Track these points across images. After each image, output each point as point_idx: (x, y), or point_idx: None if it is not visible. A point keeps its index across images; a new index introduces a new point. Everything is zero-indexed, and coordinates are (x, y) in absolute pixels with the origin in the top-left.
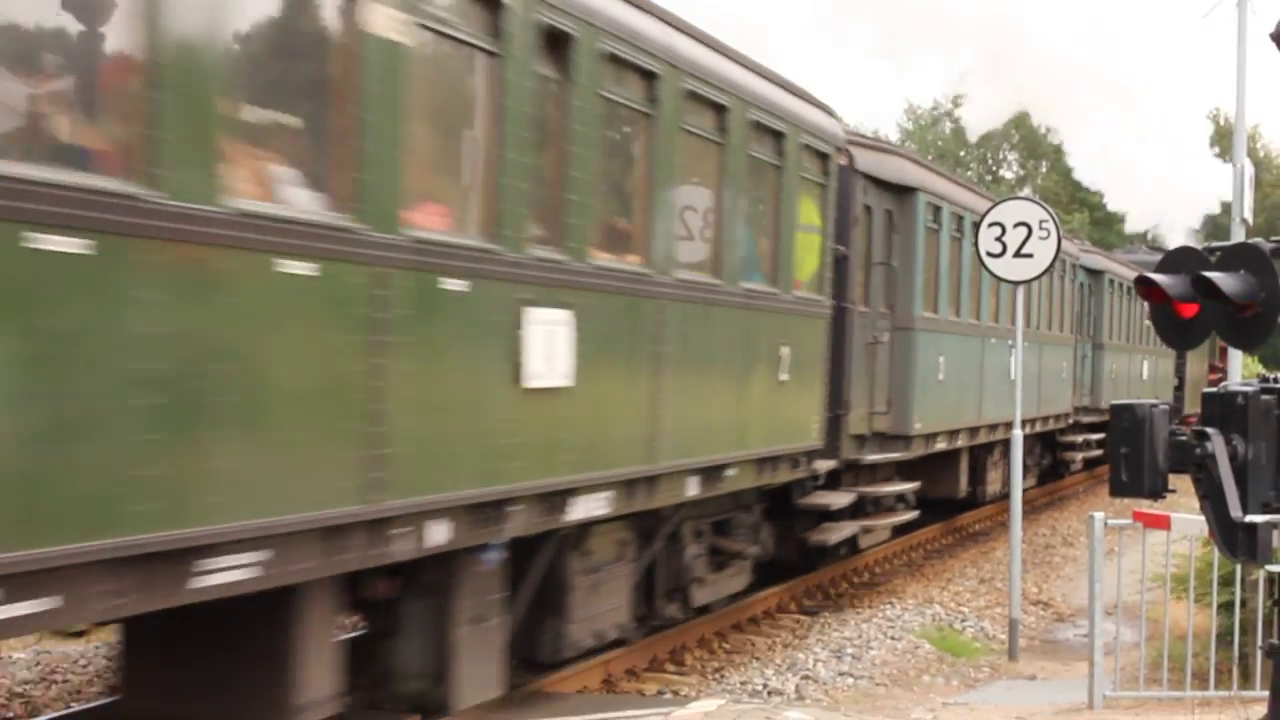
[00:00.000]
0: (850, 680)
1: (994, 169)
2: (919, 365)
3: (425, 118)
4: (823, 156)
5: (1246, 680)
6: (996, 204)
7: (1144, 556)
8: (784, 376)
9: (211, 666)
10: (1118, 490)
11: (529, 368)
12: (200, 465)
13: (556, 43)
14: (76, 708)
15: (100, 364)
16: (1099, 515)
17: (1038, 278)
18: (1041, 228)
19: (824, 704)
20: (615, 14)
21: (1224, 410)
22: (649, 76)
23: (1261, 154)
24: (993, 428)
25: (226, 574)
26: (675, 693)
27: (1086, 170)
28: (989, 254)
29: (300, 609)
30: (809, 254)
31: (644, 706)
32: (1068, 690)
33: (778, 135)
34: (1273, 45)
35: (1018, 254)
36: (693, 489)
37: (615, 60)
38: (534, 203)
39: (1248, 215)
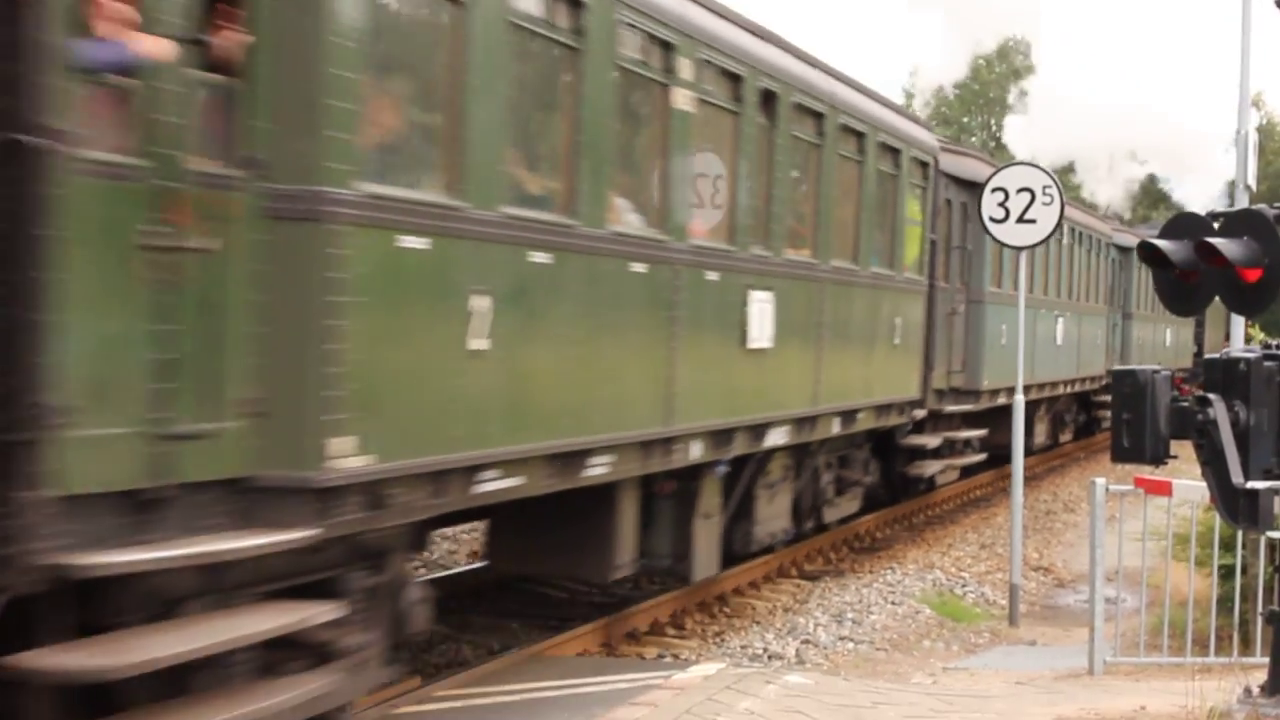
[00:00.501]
0: (850, 645)
1: (997, 135)
2: (987, 332)
3: (702, 163)
4: (924, 165)
5: (1247, 646)
6: (999, 169)
7: (1145, 522)
8: (897, 340)
9: (555, 537)
10: (1119, 456)
11: (750, 334)
12: (589, 398)
13: (768, 100)
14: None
15: (569, 332)
16: (1100, 481)
17: (1040, 243)
18: (1045, 193)
19: (824, 668)
20: (800, 73)
21: (1226, 377)
22: (818, 117)
23: (1264, 121)
24: (1040, 386)
25: (598, 469)
26: (675, 656)
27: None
28: (992, 219)
29: (618, 497)
30: (913, 243)
31: (644, 670)
32: (1068, 656)
33: (895, 151)
34: (1277, 12)
35: (1021, 219)
36: (836, 428)
37: (800, 108)
38: (754, 215)
39: (1251, 182)
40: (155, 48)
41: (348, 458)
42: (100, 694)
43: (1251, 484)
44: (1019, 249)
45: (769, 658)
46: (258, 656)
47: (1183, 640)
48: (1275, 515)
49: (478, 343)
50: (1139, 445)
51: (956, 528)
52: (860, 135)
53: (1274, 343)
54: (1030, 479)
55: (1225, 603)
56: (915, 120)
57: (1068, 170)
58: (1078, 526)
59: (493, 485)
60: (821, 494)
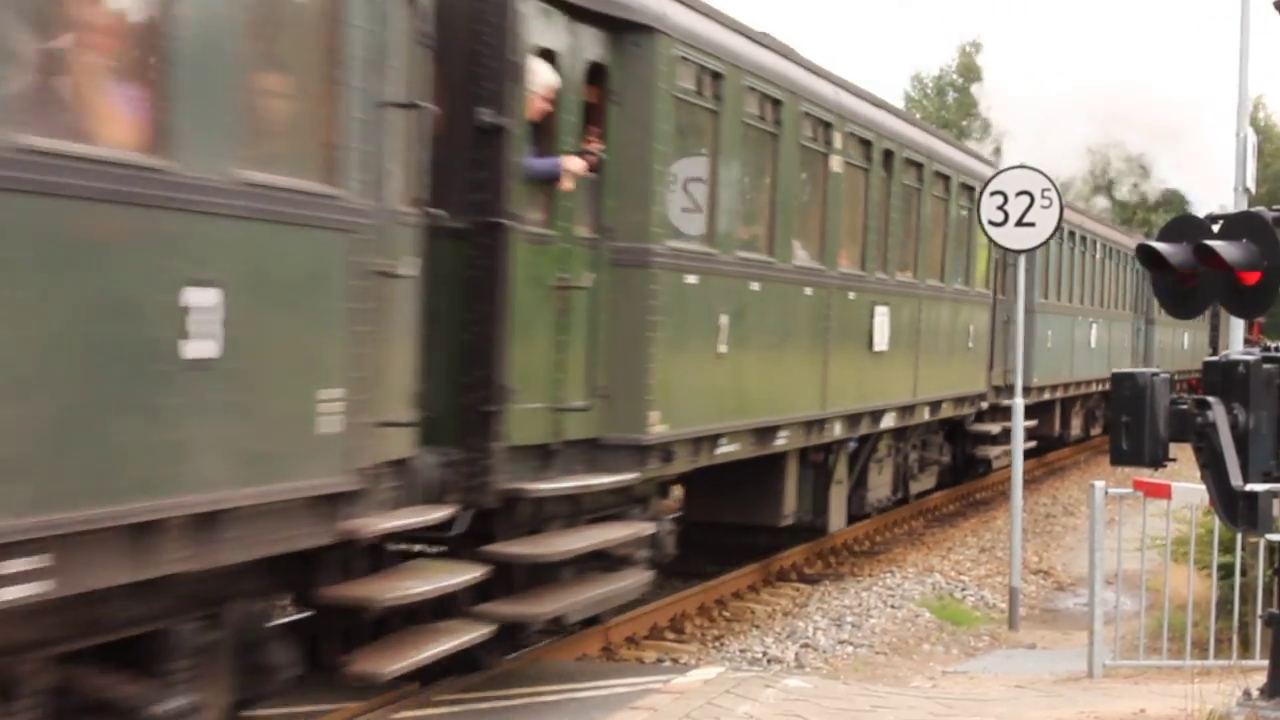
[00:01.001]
0: (850, 648)
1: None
2: (1036, 337)
3: (845, 209)
4: (970, 189)
5: (1246, 649)
6: (999, 173)
7: (1144, 526)
8: (970, 345)
9: (737, 494)
10: (1119, 459)
11: (874, 340)
12: (777, 388)
13: (887, 158)
14: None
15: (768, 339)
16: (1100, 484)
17: (1039, 246)
18: (1044, 196)
19: (824, 672)
20: (907, 132)
21: (1225, 379)
22: (918, 166)
23: (1263, 123)
24: (1078, 384)
25: (781, 441)
26: (675, 660)
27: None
28: (991, 222)
29: (787, 463)
30: (981, 262)
31: (643, 674)
32: (1067, 659)
33: (970, 188)
34: (1276, 14)
35: (1020, 223)
36: (926, 414)
37: (907, 161)
38: (877, 245)
39: (1250, 184)
40: (575, 165)
41: (655, 426)
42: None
43: (1251, 486)
44: (1018, 252)
45: (768, 661)
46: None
47: (1182, 643)
48: (1275, 518)
49: (722, 348)
50: (1138, 448)
51: (956, 531)
52: (946, 178)
53: (1273, 345)
54: (1029, 482)
55: (1225, 605)
56: (977, 156)
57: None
58: (1077, 530)
59: (723, 449)
60: (910, 470)
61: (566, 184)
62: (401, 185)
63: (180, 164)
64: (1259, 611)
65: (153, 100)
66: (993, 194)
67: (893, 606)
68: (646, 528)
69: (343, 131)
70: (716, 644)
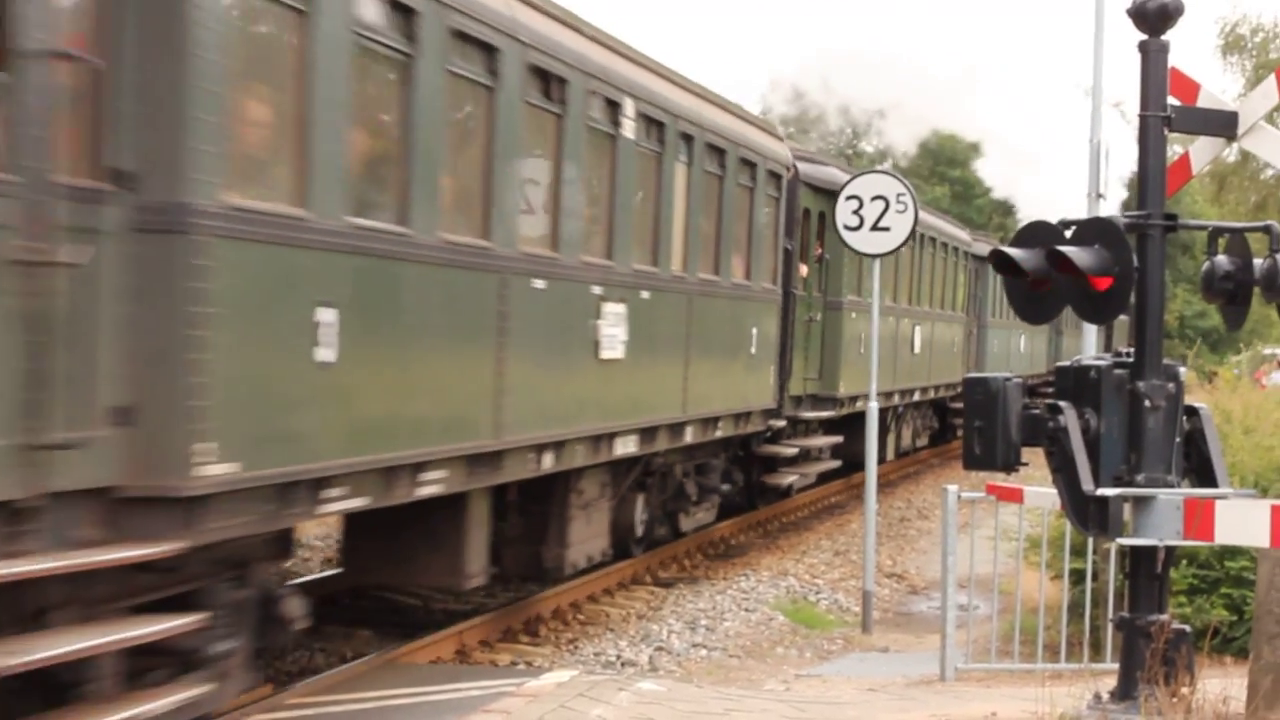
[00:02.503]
0: (704, 652)
1: (855, 142)
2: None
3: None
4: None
5: (1098, 653)
6: (854, 177)
7: (997, 529)
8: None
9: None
10: (971, 463)
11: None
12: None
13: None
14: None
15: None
16: (953, 488)
17: (895, 250)
18: (899, 201)
19: (678, 675)
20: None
21: (1077, 384)
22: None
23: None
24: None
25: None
26: (529, 663)
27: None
28: (846, 227)
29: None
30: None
31: (497, 677)
32: (920, 662)
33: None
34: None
35: (875, 227)
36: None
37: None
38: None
39: (1103, 190)
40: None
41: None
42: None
43: (1101, 491)
44: (873, 256)
45: (622, 665)
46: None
47: (1034, 646)
48: (1124, 522)
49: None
50: (990, 452)
51: (811, 534)
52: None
53: (1124, 350)
54: (884, 486)
55: (1076, 609)
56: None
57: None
58: (931, 534)
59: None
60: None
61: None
62: None
63: None
64: (1110, 615)
65: None
66: (848, 198)
67: (747, 610)
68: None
69: None
70: (571, 647)
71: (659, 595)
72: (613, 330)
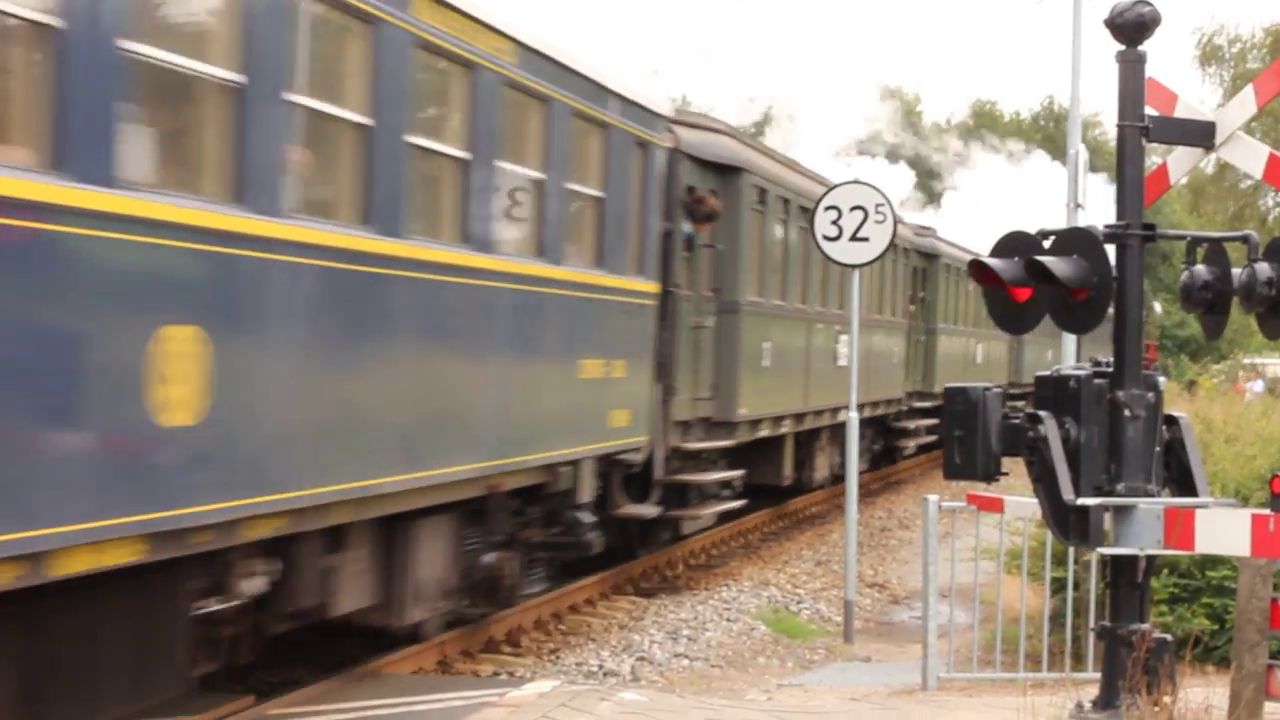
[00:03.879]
0: (686, 662)
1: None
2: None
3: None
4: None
5: (1079, 662)
6: (833, 188)
7: (978, 539)
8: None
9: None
10: (952, 473)
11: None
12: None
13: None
14: None
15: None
16: (933, 498)
17: (874, 261)
18: (878, 211)
19: (659, 685)
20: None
21: (1057, 394)
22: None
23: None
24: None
25: None
26: (510, 674)
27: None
28: (825, 237)
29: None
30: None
31: (479, 687)
32: (902, 672)
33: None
34: (1108, 31)
35: (854, 238)
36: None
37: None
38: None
39: (1081, 200)
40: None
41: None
42: None
43: (1082, 501)
44: (853, 267)
45: (604, 675)
46: None
47: (1016, 656)
48: (1105, 532)
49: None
50: (971, 462)
51: (792, 544)
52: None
53: (1104, 360)
54: (865, 496)
55: (1058, 618)
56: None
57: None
58: (912, 543)
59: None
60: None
61: None
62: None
63: None
64: (1091, 624)
65: None
66: (827, 209)
67: (729, 620)
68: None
69: None
70: (552, 657)
71: (640, 605)
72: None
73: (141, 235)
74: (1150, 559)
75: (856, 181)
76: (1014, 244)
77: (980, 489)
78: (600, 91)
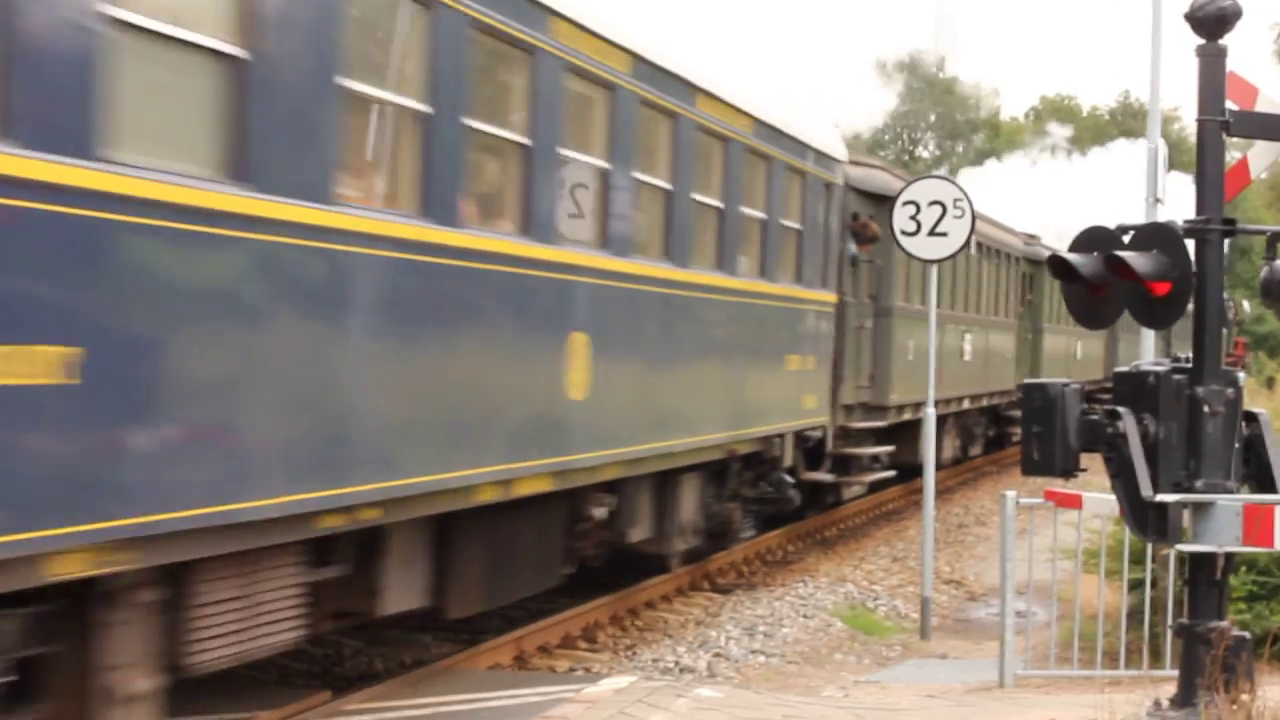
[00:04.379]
0: (762, 658)
1: (910, 149)
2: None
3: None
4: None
5: (1157, 659)
6: (910, 183)
7: (1055, 536)
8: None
9: None
10: (1029, 469)
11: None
12: None
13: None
14: None
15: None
16: (1011, 494)
17: (951, 256)
18: (956, 206)
19: (735, 681)
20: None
21: (1135, 390)
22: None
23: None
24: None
25: None
26: (587, 670)
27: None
28: (903, 232)
29: None
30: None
31: (555, 683)
32: (979, 669)
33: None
34: (1187, 25)
35: (932, 232)
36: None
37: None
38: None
39: (1161, 195)
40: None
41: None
42: None
43: (1161, 497)
44: (931, 261)
45: (680, 671)
46: None
47: (1093, 653)
48: (1184, 528)
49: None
50: (1049, 458)
51: (869, 541)
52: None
53: (1183, 356)
54: (942, 492)
55: (1135, 616)
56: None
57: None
58: (989, 540)
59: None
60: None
61: None
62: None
63: None
64: (1169, 622)
65: None
66: (905, 204)
67: (805, 616)
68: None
69: None
70: (629, 653)
71: (717, 602)
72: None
73: (554, 274)
74: (1229, 556)
75: (935, 176)
76: (1093, 239)
77: (1058, 485)
78: (802, 147)
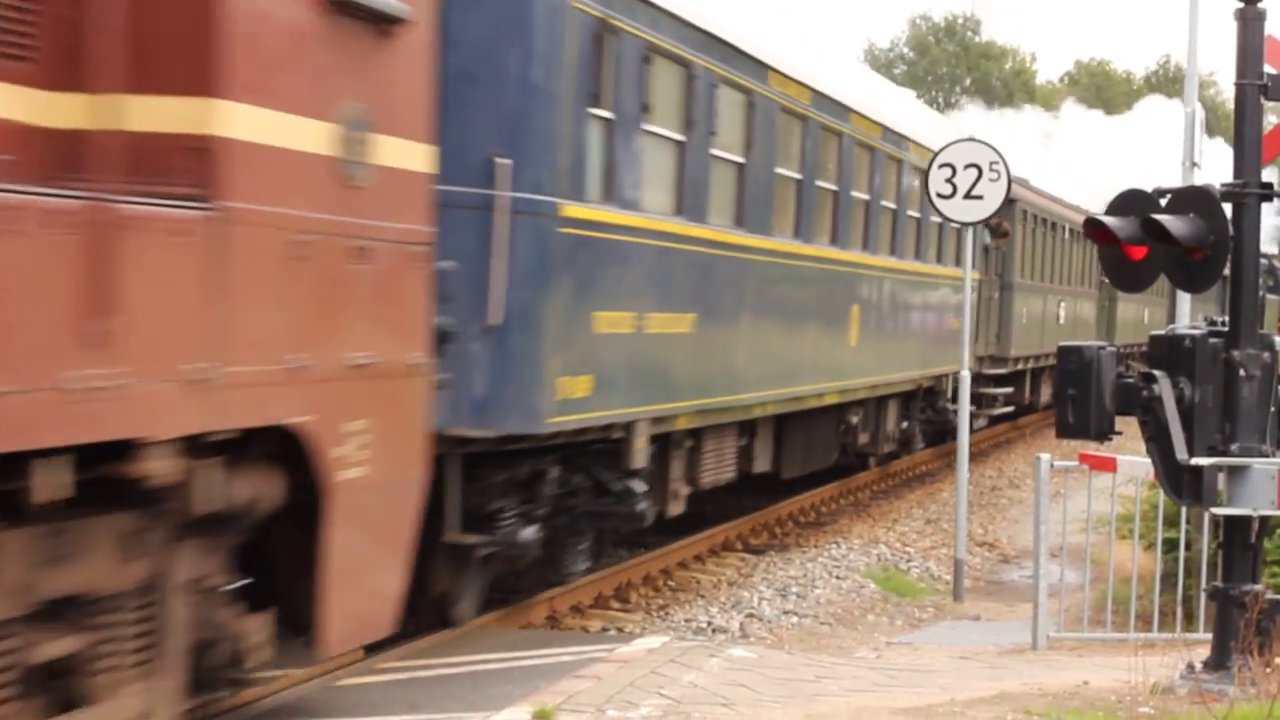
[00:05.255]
0: (795, 619)
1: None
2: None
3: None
4: None
5: (1190, 622)
6: (947, 146)
7: (1089, 499)
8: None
9: None
10: (1064, 431)
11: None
12: None
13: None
14: None
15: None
16: (1045, 457)
17: (987, 220)
18: (992, 169)
19: (768, 642)
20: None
21: (1171, 353)
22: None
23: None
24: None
25: None
26: (620, 629)
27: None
28: (939, 195)
29: None
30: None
31: (588, 643)
32: (1012, 631)
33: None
34: None
35: (968, 195)
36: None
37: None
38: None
39: (1198, 159)
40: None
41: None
42: None
43: (1196, 460)
44: (965, 225)
45: (713, 631)
46: None
47: (1126, 616)
48: (1219, 491)
49: None
50: (1084, 421)
51: (902, 503)
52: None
53: (1219, 319)
54: (975, 455)
55: (1169, 579)
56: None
57: None
58: (1023, 503)
59: None
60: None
61: None
62: None
63: None
64: (1203, 585)
65: None
66: (941, 166)
67: (838, 577)
68: None
69: None
70: (661, 613)
71: (749, 562)
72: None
73: (845, 268)
74: (1264, 519)
75: (971, 139)
76: (1130, 202)
77: (1092, 448)
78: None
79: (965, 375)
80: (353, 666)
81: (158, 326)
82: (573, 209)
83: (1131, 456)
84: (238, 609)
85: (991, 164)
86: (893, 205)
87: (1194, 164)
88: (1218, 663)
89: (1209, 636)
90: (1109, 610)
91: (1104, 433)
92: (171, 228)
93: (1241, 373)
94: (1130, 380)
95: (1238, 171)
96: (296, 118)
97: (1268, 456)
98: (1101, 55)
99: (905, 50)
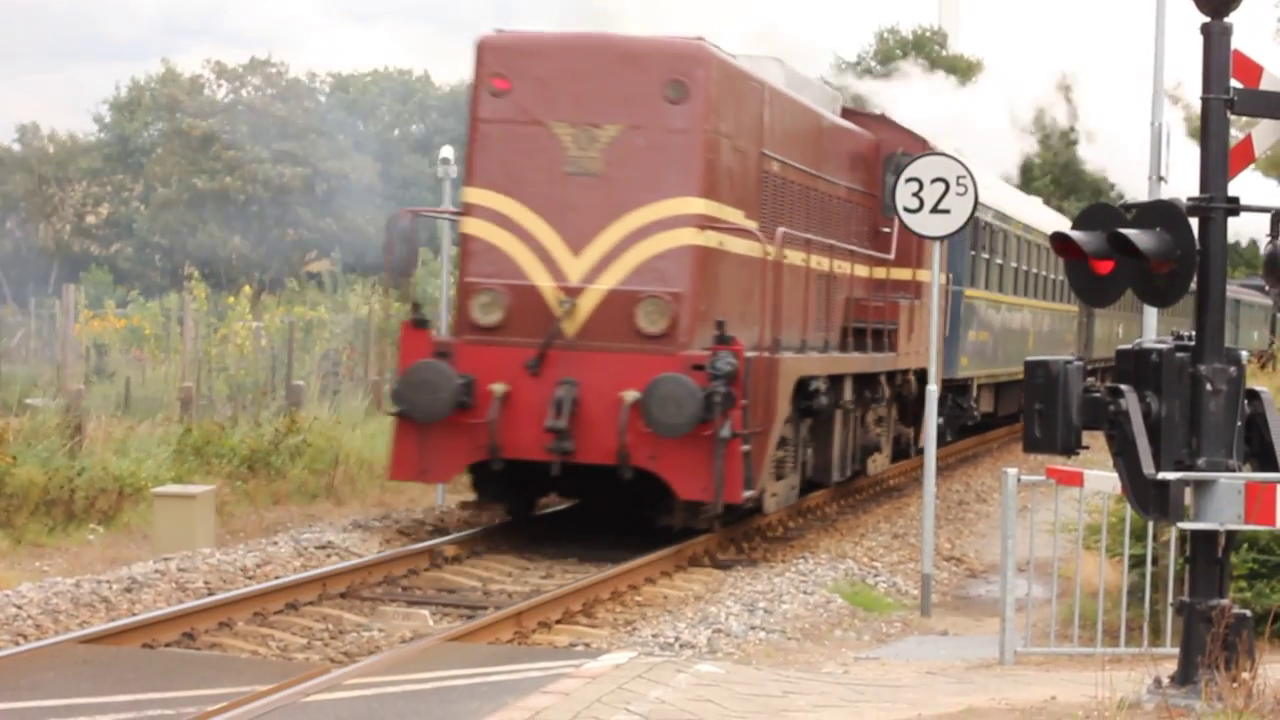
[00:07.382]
0: (762, 634)
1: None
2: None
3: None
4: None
5: (1157, 637)
6: (914, 159)
7: (1056, 513)
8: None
9: None
10: (1031, 446)
11: None
12: None
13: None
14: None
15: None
16: (1012, 471)
17: (954, 234)
18: (959, 184)
19: (736, 657)
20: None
21: (1138, 367)
22: None
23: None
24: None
25: None
26: (587, 645)
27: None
28: (906, 209)
29: None
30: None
31: (555, 658)
32: (979, 646)
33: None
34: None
35: (935, 209)
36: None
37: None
38: None
39: (1164, 173)
40: None
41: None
42: None
43: (1163, 475)
44: (933, 239)
45: (680, 646)
46: None
47: (1093, 631)
48: (1185, 506)
49: None
50: (1051, 435)
51: (869, 517)
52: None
53: (1185, 334)
54: (942, 469)
55: (1136, 593)
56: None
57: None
58: (990, 517)
59: None
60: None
61: None
62: None
63: None
64: (1170, 599)
65: None
66: (908, 180)
67: (805, 592)
68: None
69: None
70: (629, 629)
71: (717, 577)
72: None
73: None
74: (1230, 534)
75: (939, 154)
76: (1097, 216)
77: (1060, 463)
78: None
79: (933, 389)
80: (320, 681)
81: None
82: (969, 291)
83: (1099, 471)
84: None
85: (959, 178)
86: (1034, 270)
87: (1160, 178)
88: (1185, 678)
89: (1176, 651)
90: (1076, 625)
91: (1071, 447)
92: None
93: (1208, 387)
94: (1097, 395)
95: (1204, 185)
96: None
97: (1234, 471)
98: (1068, 69)
99: (873, 63)
